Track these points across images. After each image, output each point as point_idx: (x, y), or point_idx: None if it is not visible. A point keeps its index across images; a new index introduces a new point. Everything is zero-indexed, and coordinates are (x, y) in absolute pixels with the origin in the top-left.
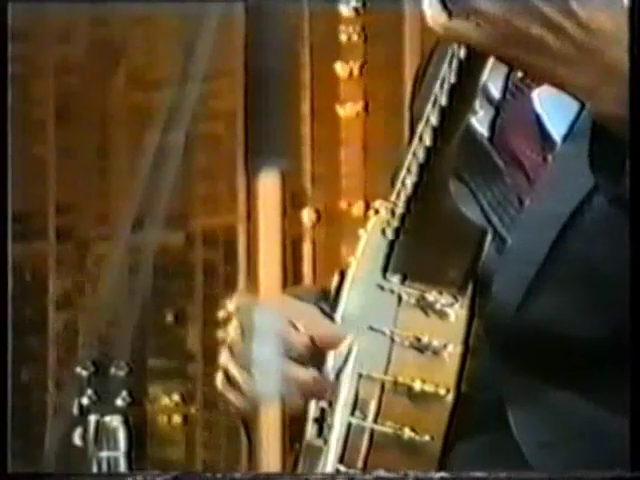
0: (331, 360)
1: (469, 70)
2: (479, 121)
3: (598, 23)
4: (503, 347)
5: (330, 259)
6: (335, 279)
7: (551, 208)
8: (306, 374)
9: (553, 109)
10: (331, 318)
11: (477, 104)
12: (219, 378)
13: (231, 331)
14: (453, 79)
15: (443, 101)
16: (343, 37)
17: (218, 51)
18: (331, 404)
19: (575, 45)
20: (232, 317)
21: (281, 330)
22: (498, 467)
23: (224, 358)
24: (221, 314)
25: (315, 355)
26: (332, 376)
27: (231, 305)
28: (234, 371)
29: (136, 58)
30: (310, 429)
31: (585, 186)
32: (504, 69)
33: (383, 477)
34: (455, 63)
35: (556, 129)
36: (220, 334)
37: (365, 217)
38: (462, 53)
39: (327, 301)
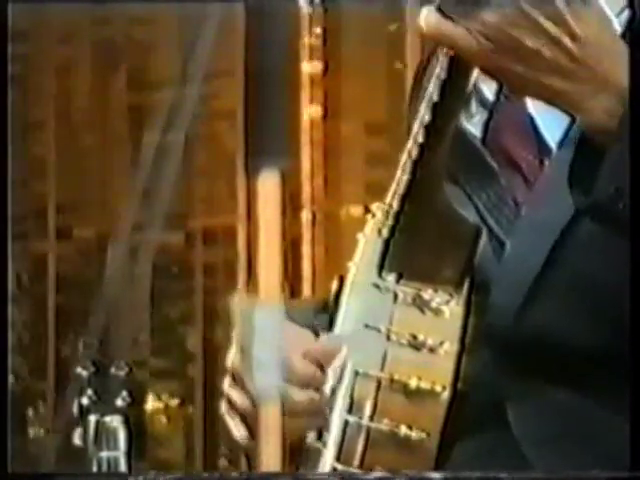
0: (330, 380)
1: (460, 66)
2: (473, 124)
3: (592, 37)
4: (502, 352)
5: (330, 259)
6: (334, 285)
7: (548, 215)
8: (303, 396)
9: (546, 112)
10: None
11: (472, 107)
12: (223, 405)
13: (233, 355)
14: (444, 76)
15: (435, 98)
16: (344, 37)
17: (218, 51)
18: (331, 407)
19: (569, 57)
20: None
21: (282, 355)
22: (497, 466)
23: (226, 385)
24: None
25: (314, 379)
26: (328, 394)
27: (231, 307)
28: (236, 398)
29: (136, 58)
30: (310, 433)
31: (578, 192)
32: None
33: (383, 477)
34: (446, 60)
35: (550, 132)
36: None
37: (364, 219)
38: (449, 51)
39: (327, 311)
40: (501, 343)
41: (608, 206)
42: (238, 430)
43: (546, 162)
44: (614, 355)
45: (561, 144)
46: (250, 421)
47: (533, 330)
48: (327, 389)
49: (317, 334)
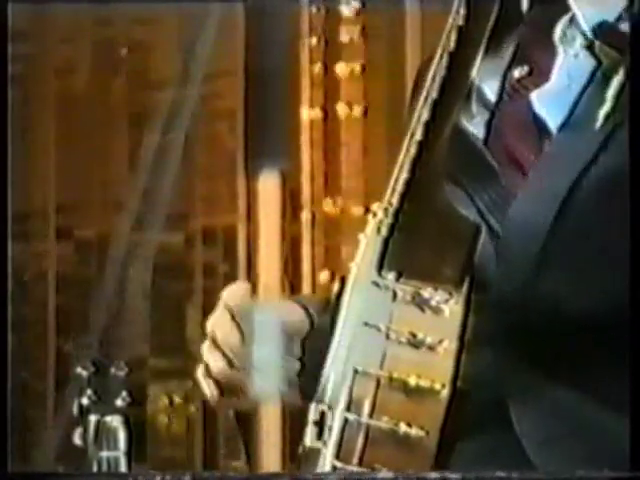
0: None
1: (459, 63)
2: (474, 124)
3: None
4: (507, 332)
5: (330, 259)
6: (336, 286)
7: (548, 186)
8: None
9: (553, 109)
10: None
11: (473, 107)
12: (199, 369)
13: (215, 324)
14: (443, 72)
15: (434, 95)
16: (344, 37)
17: (218, 51)
18: (331, 407)
19: None
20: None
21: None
22: (499, 466)
23: (206, 350)
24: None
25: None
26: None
27: (225, 299)
28: (213, 364)
29: (137, 58)
30: (310, 432)
31: (581, 161)
32: (500, 70)
33: (383, 477)
34: (445, 56)
35: (553, 123)
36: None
37: (364, 219)
38: (452, 46)
39: (328, 310)
40: (507, 322)
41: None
42: (210, 390)
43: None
44: (620, 336)
45: (560, 128)
46: (226, 385)
47: (539, 306)
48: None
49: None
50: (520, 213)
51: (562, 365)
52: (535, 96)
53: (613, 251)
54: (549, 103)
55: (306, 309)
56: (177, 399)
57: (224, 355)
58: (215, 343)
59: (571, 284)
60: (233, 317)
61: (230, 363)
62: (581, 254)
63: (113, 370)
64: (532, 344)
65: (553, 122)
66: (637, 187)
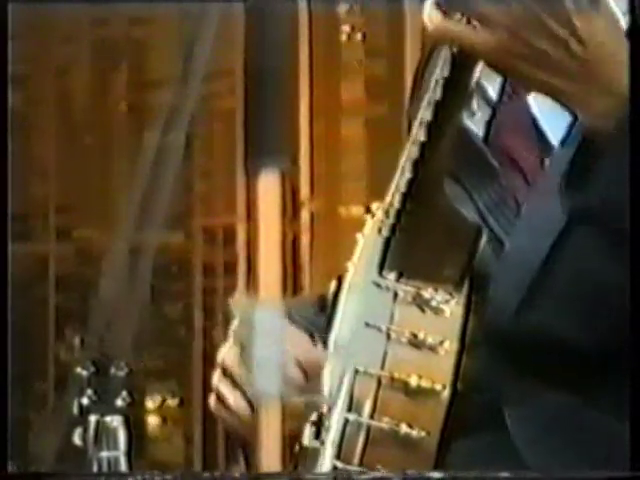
0: (327, 387)
1: (462, 64)
2: (475, 122)
3: (598, 40)
4: (500, 351)
5: (329, 259)
6: (333, 285)
7: (548, 214)
8: (301, 400)
9: (549, 111)
10: (323, 342)
11: (474, 105)
12: (212, 399)
13: (226, 347)
14: (446, 74)
15: (437, 96)
16: (343, 36)
17: (218, 51)
18: (330, 409)
19: (573, 58)
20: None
21: (282, 354)
22: (496, 466)
23: (216, 379)
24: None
25: (311, 385)
26: (325, 406)
27: (231, 307)
28: (225, 391)
29: (136, 58)
30: (308, 432)
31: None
32: None
33: (383, 477)
34: (448, 58)
35: (552, 132)
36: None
37: (363, 219)
38: (455, 47)
39: (326, 309)
40: (499, 343)
41: (600, 213)
42: (232, 419)
43: (546, 160)
44: (613, 353)
45: (563, 142)
46: (242, 418)
47: (531, 329)
48: (325, 392)
49: (314, 338)
50: (515, 245)
51: (556, 371)
52: (532, 97)
53: (606, 282)
54: (545, 105)
55: (311, 335)
56: (176, 399)
57: (240, 389)
58: (230, 376)
59: (562, 315)
60: (243, 350)
61: (246, 396)
62: (573, 286)
63: (113, 370)
64: (523, 364)
65: (548, 124)
66: (637, 193)
